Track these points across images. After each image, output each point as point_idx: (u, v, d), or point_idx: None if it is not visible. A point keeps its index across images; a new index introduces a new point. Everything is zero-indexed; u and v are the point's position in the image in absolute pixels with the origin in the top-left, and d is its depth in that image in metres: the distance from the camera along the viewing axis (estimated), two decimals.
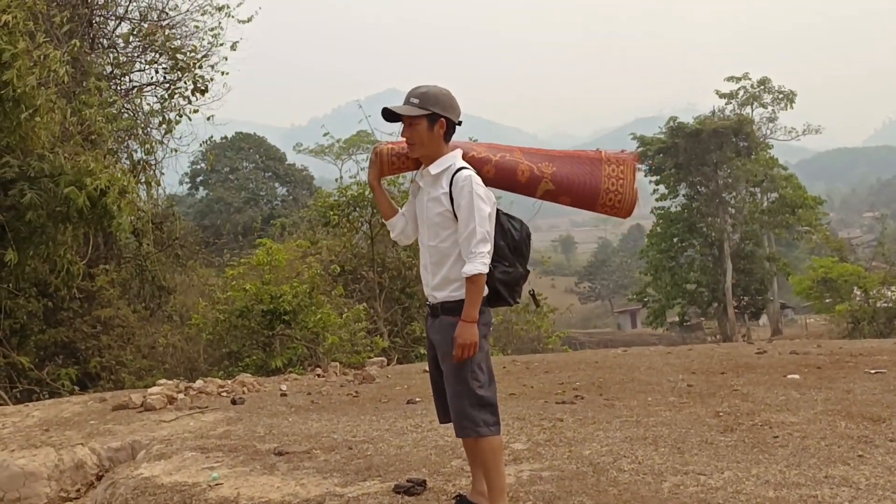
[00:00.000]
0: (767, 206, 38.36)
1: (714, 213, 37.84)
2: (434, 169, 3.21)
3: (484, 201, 3.11)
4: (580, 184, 3.28)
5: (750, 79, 41.31)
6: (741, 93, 41.33)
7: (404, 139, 3.26)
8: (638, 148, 39.11)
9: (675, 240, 39.11)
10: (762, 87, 41.15)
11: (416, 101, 3.17)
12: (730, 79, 41.63)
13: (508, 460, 4.09)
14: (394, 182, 14.47)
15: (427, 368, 3.48)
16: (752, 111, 41.30)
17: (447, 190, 3.15)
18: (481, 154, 3.26)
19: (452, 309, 3.15)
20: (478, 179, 3.14)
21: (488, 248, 3.11)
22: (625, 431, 4.71)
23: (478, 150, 3.28)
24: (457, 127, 3.28)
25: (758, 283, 38.33)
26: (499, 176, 3.25)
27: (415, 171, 3.41)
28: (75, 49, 9.70)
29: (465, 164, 3.20)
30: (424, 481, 3.69)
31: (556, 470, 3.88)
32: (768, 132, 41.71)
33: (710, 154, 36.77)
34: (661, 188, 39.19)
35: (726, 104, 41.63)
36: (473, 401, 3.13)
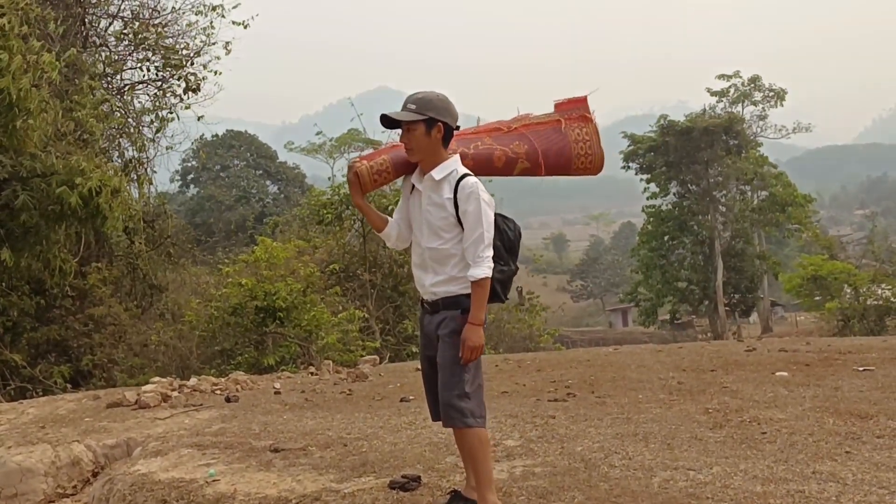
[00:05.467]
0: (758, 204, 38.59)
1: (705, 212, 38.02)
2: (437, 174, 3.27)
3: (489, 207, 3.22)
4: (553, 155, 3.43)
5: (741, 77, 41.59)
6: (732, 91, 41.56)
7: (379, 149, 3.31)
8: (629, 147, 39.29)
9: (665, 238, 39.29)
10: (753, 84, 41.39)
11: (413, 106, 3.23)
12: (721, 77, 41.86)
13: (501, 456, 4.15)
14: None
15: (419, 366, 3.54)
16: (743, 109, 41.55)
17: (451, 196, 3.23)
18: (457, 150, 3.35)
19: (453, 303, 3.26)
20: (482, 185, 3.23)
21: (492, 252, 3.22)
22: (616, 428, 4.78)
23: (452, 146, 3.34)
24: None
25: (748, 281, 38.55)
26: (477, 166, 3.35)
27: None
28: (72, 56, 9.72)
29: (466, 169, 3.28)
30: (419, 477, 3.74)
31: (549, 466, 3.94)
32: (759, 130, 42.01)
33: (700, 152, 36.94)
34: (652, 186, 39.35)
35: (717, 102, 41.86)
36: (461, 392, 3.22)
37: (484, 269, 3.17)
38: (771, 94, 41.37)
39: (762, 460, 3.92)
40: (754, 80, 41.38)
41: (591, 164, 3.47)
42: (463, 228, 3.24)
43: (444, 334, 3.26)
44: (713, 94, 41.78)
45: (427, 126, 3.22)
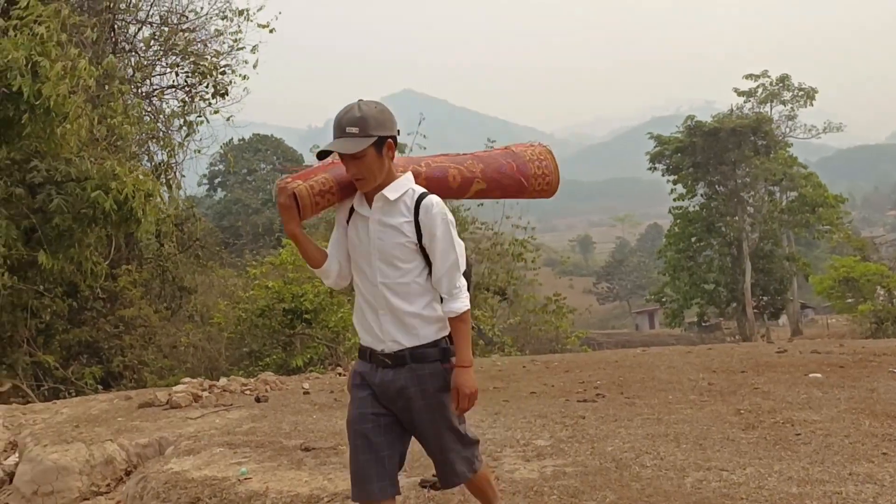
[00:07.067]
0: (787, 204, 38.13)
1: (732, 213, 37.64)
2: (392, 194, 2.75)
3: (454, 229, 2.79)
4: (510, 174, 3.12)
5: (769, 76, 41.01)
6: (760, 90, 41.04)
7: (312, 167, 2.86)
8: (655, 148, 39.05)
9: (693, 239, 38.97)
10: (781, 84, 40.85)
11: (354, 129, 2.67)
12: (748, 76, 41.35)
13: (532, 456, 4.15)
14: None
15: (361, 424, 2.78)
16: (772, 109, 41.04)
17: (411, 218, 2.74)
18: (407, 168, 2.91)
19: (423, 355, 2.75)
20: (444, 204, 2.79)
21: (465, 281, 2.80)
22: (646, 428, 4.74)
23: (403, 164, 2.91)
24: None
25: (777, 283, 38.10)
26: (429, 186, 2.88)
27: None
28: (111, 63, 9.90)
29: (422, 188, 2.82)
30: None
31: (580, 465, 3.93)
32: (788, 130, 41.41)
33: (728, 153, 36.59)
34: (679, 188, 39.05)
35: (745, 102, 41.39)
36: (466, 441, 2.85)
37: (464, 300, 2.74)
38: (800, 93, 40.79)
39: (797, 461, 3.87)
40: (783, 79, 40.82)
41: (549, 185, 3.20)
42: (425, 256, 2.76)
43: (432, 392, 2.73)
44: (740, 94, 41.30)
45: (377, 148, 2.70)
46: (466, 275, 2.83)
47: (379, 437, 2.75)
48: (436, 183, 2.91)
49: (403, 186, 2.78)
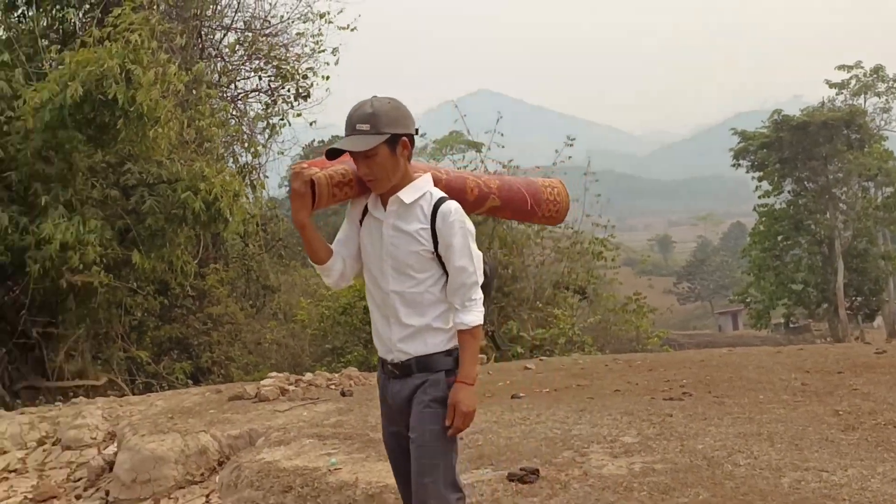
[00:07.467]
0: (882, 201, 36.34)
1: (823, 210, 36.10)
2: (407, 196, 2.62)
3: (474, 238, 2.64)
4: (523, 197, 3.01)
5: (863, 67, 39.18)
6: (853, 82, 39.25)
7: (319, 158, 2.66)
8: (739, 143, 37.85)
9: (779, 238, 37.56)
10: (875, 75, 38.97)
11: (365, 126, 2.52)
12: (841, 67, 39.60)
13: (619, 452, 4.08)
14: None
15: (388, 443, 2.84)
16: (865, 101, 39.19)
17: (427, 225, 2.59)
18: (427, 171, 2.80)
19: (429, 364, 2.62)
20: (463, 211, 2.64)
21: (482, 294, 2.66)
22: (737, 427, 4.61)
23: (423, 169, 2.79)
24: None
25: (872, 283, 36.35)
26: (449, 193, 2.73)
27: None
28: (200, 69, 10.28)
29: (441, 192, 2.67)
30: (537, 470, 3.73)
31: (669, 463, 3.85)
32: (883, 123, 39.48)
33: (818, 147, 35.08)
34: (765, 184, 37.74)
35: (836, 94, 39.66)
36: (451, 480, 2.59)
37: (477, 314, 2.60)
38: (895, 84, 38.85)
39: None
40: (877, 70, 38.93)
41: (558, 212, 3.12)
42: (442, 265, 2.62)
43: (426, 401, 2.58)
44: (832, 85, 39.58)
45: (391, 146, 2.55)
46: (487, 285, 2.69)
47: (400, 455, 2.70)
48: (454, 193, 2.75)
49: (421, 189, 2.63)
